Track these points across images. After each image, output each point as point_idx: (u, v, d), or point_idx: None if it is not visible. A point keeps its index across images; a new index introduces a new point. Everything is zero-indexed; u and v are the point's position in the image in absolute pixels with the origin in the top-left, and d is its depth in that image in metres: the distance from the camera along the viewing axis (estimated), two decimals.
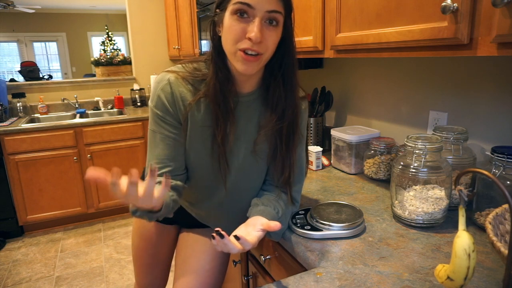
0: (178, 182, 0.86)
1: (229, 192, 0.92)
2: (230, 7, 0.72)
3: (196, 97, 0.81)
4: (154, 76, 3.19)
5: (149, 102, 0.86)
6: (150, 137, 0.86)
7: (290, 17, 0.78)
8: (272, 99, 0.84)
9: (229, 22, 0.73)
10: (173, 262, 1.13)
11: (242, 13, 0.71)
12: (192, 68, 0.84)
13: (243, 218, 1.00)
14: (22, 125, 2.59)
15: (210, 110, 0.82)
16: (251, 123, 0.87)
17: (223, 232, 0.67)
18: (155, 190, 0.65)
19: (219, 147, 0.83)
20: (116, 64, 4.11)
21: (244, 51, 0.73)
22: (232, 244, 0.69)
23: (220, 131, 0.82)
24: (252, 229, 0.77)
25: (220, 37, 0.78)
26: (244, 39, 0.72)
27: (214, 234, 0.68)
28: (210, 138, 0.84)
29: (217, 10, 0.77)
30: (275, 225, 0.75)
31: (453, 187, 0.93)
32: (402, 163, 0.96)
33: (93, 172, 0.60)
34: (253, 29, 0.70)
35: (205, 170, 0.88)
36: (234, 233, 0.74)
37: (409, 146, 0.94)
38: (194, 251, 1.01)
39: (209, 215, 1.01)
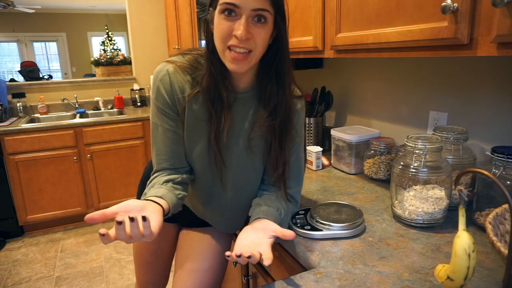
0: (184, 176, 0.87)
1: (227, 189, 0.92)
2: (218, 6, 0.73)
3: (194, 91, 0.82)
4: None
5: (150, 93, 0.86)
6: (152, 128, 0.88)
7: (281, 14, 0.78)
8: (264, 95, 0.84)
9: (217, 21, 0.74)
10: (173, 262, 1.13)
11: (230, 12, 0.72)
12: (192, 59, 0.84)
13: (242, 216, 1.00)
14: (22, 125, 2.59)
15: (206, 105, 0.83)
16: (247, 120, 0.87)
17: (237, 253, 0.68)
18: (152, 226, 0.66)
19: (214, 142, 0.84)
20: (116, 64, 4.11)
21: (232, 48, 0.73)
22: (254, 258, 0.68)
23: (214, 126, 0.82)
24: (263, 235, 0.76)
25: (213, 35, 0.79)
26: (231, 37, 0.73)
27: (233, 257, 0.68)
28: (206, 133, 0.84)
29: (210, 9, 0.78)
30: (289, 234, 0.74)
31: (453, 187, 0.93)
32: (402, 163, 0.96)
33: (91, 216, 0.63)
34: (239, 27, 0.71)
35: (202, 166, 0.89)
36: (242, 236, 0.75)
37: (409, 146, 0.94)
38: (192, 251, 1.02)
39: (207, 211, 1.01)
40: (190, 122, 0.85)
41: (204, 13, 0.83)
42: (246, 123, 0.87)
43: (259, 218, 0.83)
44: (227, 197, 0.94)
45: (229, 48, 0.74)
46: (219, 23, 0.74)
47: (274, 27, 0.77)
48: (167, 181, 0.83)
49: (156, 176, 0.86)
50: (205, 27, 0.81)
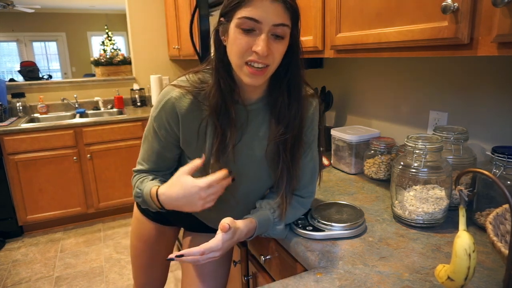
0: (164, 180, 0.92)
1: (231, 197, 0.91)
2: (236, 20, 0.71)
3: (205, 117, 0.81)
4: (154, 76, 3.19)
5: (152, 110, 0.87)
6: (143, 140, 0.92)
7: (297, 26, 0.77)
8: (275, 107, 0.83)
9: (234, 35, 0.73)
10: (172, 263, 1.12)
11: (249, 27, 0.71)
12: (198, 81, 0.83)
13: None
14: (22, 125, 2.59)
15: (212, 120, 0.82)
16: (259, 132, 0.86)
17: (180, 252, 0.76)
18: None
19: (217, 157, 0.82)
20: (116, 64, 4.10)
21: (250, 64, 0.73)
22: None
23: (218, 141, 0.81)
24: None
25: (224, 46, 0.78)
26: (250, 52, 0.72)
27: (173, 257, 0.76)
28: (212, 149, 0.83)
29: (222, 19, 0.76)
30: (223, 226, 0.76)
31: (453, 187, 0.93)
32: (402, 163, 0.96)
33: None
34: (260, 43, 0.70)
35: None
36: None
37: (409, 146, 0.94)
38: None
39: (211, 215, 1.00)
40: (198, 140, 0.84)
41: (204, 22, 0.82)
42: (257, 136, 0.86)
43: (245, 217, 0.85)
44: (231, 204, 0.94)
45: (246, 63, 0.73)
46: (237, 38, 0.72)
47: (290, 40, 0.76)
48: (154, 179, 0.91)
49: (143, 177, 0.91)
50: (215, 38, 0.79)
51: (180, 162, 0.93)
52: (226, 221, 0.76)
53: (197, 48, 1.68)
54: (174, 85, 0.83)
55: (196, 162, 0.80)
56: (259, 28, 0.70)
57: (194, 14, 1.60)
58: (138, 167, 0.94)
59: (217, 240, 0.76)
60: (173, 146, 0.88)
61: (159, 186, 0.85)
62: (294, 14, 0.74)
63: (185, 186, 0.78)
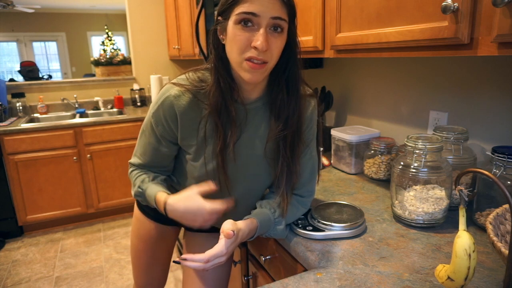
0: (161, 176, 0.95)
1: (236, 200, 0.91)
2: (234, 17, 0.72)
3: (205, 115, 0.82)
4: (154, 76, 3.19)
5: (151, 105, 0.87)
6: (140, 134, 0.93)
7: (294, 23, 0.78)
8: (275, 105, 0.83)
9: (233, 32, 0.73)
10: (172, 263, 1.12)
11: (246, 22, 0.71)
12: (197, 79, 0.83)
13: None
14: (22, 125, 2.59)
15: (212, 119, 0.82)
16: (259, 130, 0.86)
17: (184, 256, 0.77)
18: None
19: (219, 156, 0.83)
20: (116, 64, 4.10)
21: (249, 59, 0.73)
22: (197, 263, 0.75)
23: (220, 140, 0.81)
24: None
25: (223, 45, 0.78)
26: (249, 48, 0.72)
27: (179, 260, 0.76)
28: (212, 147, 0.84)
29: (220, 18, 0.77)
30: (226, 233, 0.76)
31: (453, 187, 0.93)
32: (402, 163, 0.96)
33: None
34: (259, 38, 0.70)
35: (207, 176, 0.88)
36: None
37: (409, 146, 0.94)
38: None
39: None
40: (198, 139, 0.84)
41: (210, 21, 0.82)
42: (257, 134, 0.86)
43: (246, 218, 0.85)
44: (235, 207, 0.93)
45: (245, 59, 0.73)
46: (236, 34, 0.72)
47: (287, 37, 0.77)
48: (154, 178, 0.92)
49: (142, 177, 0.92)
50: (213, 37, 0.80)
51: (179, 158, 0.93)
52: (229, 227, 0.76)
53: (203, 47, 1.68)
54: (174, 83, 0.83)
55: (211, 187, 0.82)
56: (257, 22, 0.71)
57: (200, 13, 1.60)
58: (135, 159, 0.95)
59: (221, 245, 0.76)
60: (170, 143, 0.89)
61: (167, 194, 0.85)
62: (291, 9, 0.74)
63: (194, 204, 0.80)
